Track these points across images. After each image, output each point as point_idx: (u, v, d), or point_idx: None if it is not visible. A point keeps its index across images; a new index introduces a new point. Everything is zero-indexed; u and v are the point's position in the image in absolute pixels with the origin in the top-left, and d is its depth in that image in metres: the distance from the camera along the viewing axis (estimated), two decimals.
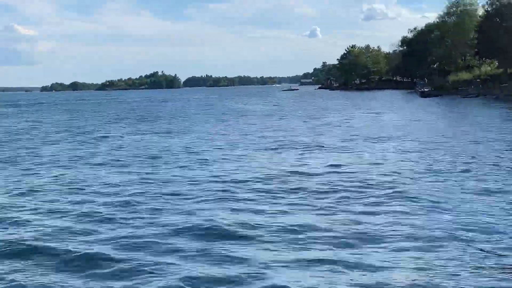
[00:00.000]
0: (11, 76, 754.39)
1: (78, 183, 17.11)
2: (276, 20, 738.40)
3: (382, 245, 9.99)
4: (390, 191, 14.60)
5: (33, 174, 19.29)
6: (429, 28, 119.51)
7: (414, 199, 13.38)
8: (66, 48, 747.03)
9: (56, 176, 18.49)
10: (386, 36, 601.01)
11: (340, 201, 13.65)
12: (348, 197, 14.07)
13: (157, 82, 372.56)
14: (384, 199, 13.79)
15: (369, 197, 14.05)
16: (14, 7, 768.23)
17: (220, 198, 14.24)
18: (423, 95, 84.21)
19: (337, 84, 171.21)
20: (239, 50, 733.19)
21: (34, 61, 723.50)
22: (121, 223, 12.07)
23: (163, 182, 16.82)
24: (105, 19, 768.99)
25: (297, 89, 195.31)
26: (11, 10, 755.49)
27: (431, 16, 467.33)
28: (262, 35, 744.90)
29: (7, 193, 15.66)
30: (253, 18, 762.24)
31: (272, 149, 24.95)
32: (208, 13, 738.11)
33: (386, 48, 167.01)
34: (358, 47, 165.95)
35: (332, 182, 16.07)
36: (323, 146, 25.33)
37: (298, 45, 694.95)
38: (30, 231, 11.48)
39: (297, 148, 24.82)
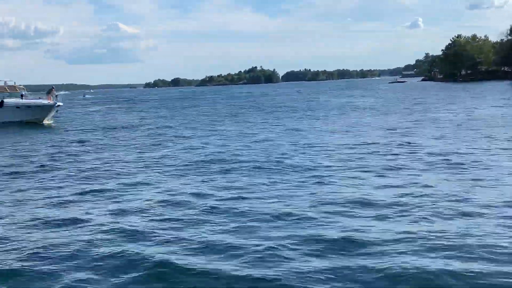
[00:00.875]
0: (116, 73, 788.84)
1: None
2: (376, 12, 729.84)
3: None
4: None
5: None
6: None
7: None
8: (168, 45, 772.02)
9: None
10: (493, 25, 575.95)
11: None
12: None
13: (255, 77, 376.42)
14: None
15: None
16: (119, 6, 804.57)
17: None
18: None
19: (441, 76, 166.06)
20: (338, 43, 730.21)
21: (137, 58, 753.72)
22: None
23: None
24: (205, 16, 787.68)
25: (405, 81, 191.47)
26: (116, 9, 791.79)
27: None
28: (362, 27, 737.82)
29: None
30: (352, 11, 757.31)
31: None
32: (306, 7, 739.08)
33: (494, 38, 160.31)
34: (464, 37, 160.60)
35: None
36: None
37: (399, 36, 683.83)
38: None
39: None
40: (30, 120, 44.40)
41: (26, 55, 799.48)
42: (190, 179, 17.28)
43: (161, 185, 16.39)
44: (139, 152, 24.68)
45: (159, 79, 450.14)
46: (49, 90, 48.72)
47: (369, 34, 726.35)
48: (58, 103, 45.18)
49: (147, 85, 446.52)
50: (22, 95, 46.92)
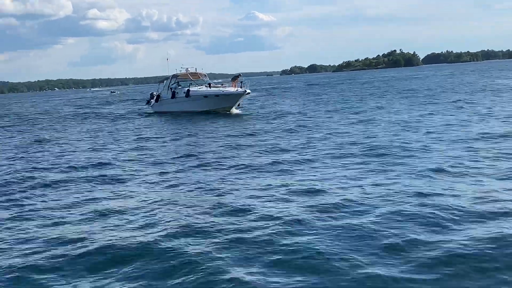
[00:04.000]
0: (253, 62, 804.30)
1: None
2: None
3: None
4: None
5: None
6: None
7: None
8: (304, 32, 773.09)
9: None
10: None
11: None
12: None
13: (394, 60, 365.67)
14: None
15: None
16: None
17: None
18: None
19: None
20: (483, 24, 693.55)
21: (274, 46, 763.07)
22: None
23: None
24: (342, 1, 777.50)
25: None
26: None
27: None
28: (507, 5, 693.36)
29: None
30: None
31: None
32: None
33: None
34: None
35: None
36: None
37: None
38: None
39: None
40: (217, 109, 42.88)
41: (168, 47, 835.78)
42: None
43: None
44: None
45: (295, 66, 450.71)
46: (234, 77, 47.61)
47: None
48: (247, 91, 42.72)
49: (284, 72, 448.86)
50: (210, 84, 45.44)
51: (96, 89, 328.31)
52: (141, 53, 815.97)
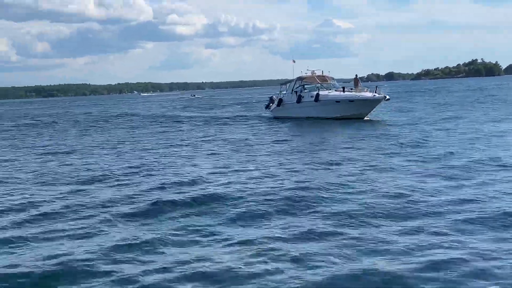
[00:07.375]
0: (329, 68, 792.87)
1: None
2: None
3: None
4: None
5: None
6: None
7: None
8: (381, 39, 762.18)
9: None
10: None
11: None
12: None
13: (475, 70, 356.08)
14: None
15: None
16: (331, 2, 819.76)
17: None
18: None
19: None
20: None
21: (351, 53, 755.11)
22: None
23: None
24: (420, 8, 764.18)
25: None
26: (329, 5, 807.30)
27: None
28: None
29: None
30: None
31: None
32: None
33: None
34: None
35: None
36: None
37: None
38: None
39: None
40: (349, 116, 40.33)
41: (244, 52, 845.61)
42: None
43: None
44: None
45: (372, 74, 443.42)
46: (355, 80, 46.15)
47: None
48: (387, 97, 40.13)
49: (361, 79, 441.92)
50: (343, 88, 42.83)
51: (176, 92, 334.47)
52: (216, 58, 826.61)
